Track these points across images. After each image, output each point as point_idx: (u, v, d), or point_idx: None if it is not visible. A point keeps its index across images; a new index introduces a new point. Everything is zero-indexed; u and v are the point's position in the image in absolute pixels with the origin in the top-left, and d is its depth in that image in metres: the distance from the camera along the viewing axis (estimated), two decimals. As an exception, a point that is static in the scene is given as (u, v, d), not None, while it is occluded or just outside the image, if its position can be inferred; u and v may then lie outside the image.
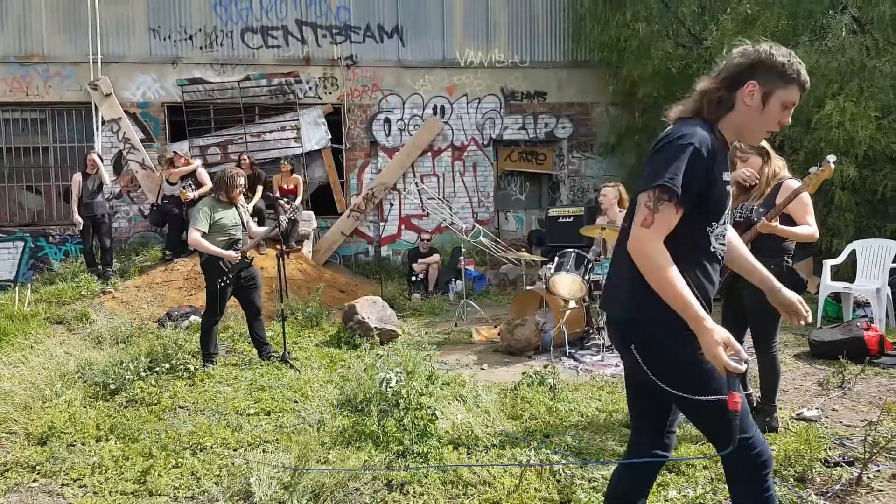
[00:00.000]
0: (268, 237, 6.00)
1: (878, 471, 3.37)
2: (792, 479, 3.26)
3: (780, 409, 4.12)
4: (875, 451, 3.31)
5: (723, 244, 2.23)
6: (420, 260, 9.83)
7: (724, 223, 2.21)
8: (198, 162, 9.75)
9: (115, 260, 9.45)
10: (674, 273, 2.00)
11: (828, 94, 7.67)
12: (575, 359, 5.89)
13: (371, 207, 11.17)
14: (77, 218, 8.79)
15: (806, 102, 7.95)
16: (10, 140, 10.47)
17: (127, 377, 4.90)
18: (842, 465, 3.43)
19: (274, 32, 10.84)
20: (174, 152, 9.75)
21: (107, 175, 9.24)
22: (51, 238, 10.37)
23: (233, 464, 3.58)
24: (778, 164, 3.90)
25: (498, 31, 11.41)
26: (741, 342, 4.14)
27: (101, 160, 9.10)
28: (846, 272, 7.17)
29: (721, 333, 1.95)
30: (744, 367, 1.95)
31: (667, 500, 3.02)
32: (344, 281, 9.79)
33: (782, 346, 5.87)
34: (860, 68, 7.70)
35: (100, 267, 9.09)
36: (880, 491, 3.18)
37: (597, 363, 5.75)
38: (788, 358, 5.63)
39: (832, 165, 3.65)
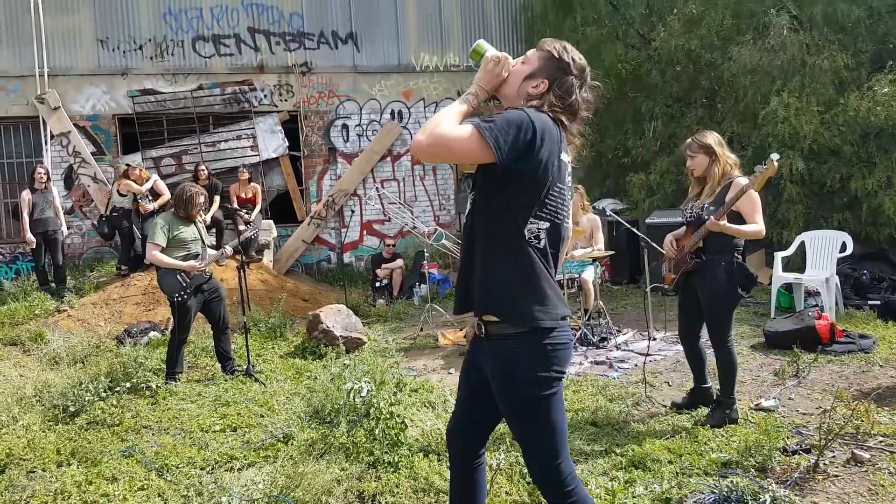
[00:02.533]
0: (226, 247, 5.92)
1: (834, 457, 3.50)
2: (753, 470, 3.38)
3: (739, 400, 4.25)
4: (830, 438, 3.44)
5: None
6: (383, 265, 9.82)
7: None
8: (154, 176, 9.53)
9: (68, 277, 9.20)
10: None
11: (772, 90, 7.94)
12: (540, 359, 5.95)
13: (332, 214, 11.11)
14: (29, 237, 8.50)
15: (753, 99, 8.23)
16: (-47, 157, 10.12)
17: (87, 398, 4.77)
18: (799, 453, 3.55)
19: (226, 41, 10.70)
20: (127, 165, 9.53)
21: (56, 190, 9.00)
22: (1, 257, 10.04)
23: (200, 483, 3.53)
24: (729, 162, 4.01)
25: (452, 35, 11.47)
26: (698, 337, 4.27)
27: (48, 174, 8.82)
28: (796, 263, 7.42)
29: None
30: None
31: (634, 497, 3.08)
32: (307, 289, 9.71)
33: (738, 338, 6.05)
34: (801, 65, 7.99)
35: (53, 285, 8.82)
36: (836, 476, 3.31)
37: (562, 362, 5.82)
38: (745, 349, 5.80)
39: (775, 163, 3.78)
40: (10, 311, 8.15)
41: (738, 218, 3.92)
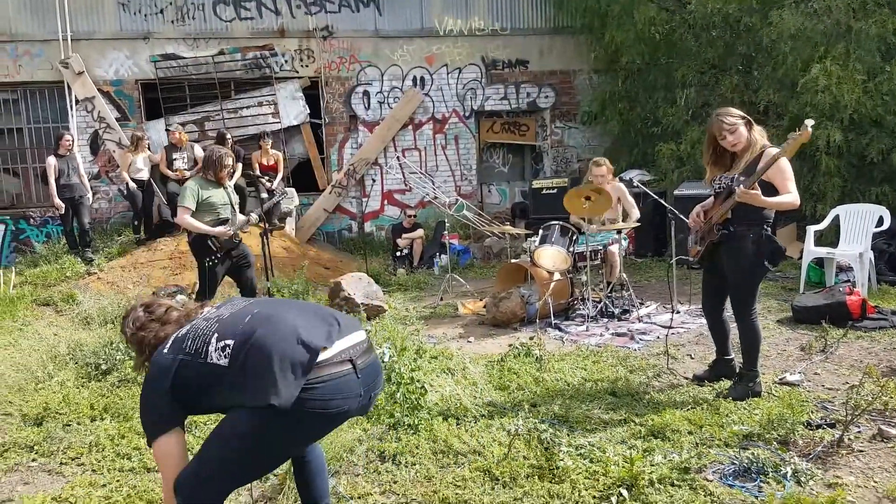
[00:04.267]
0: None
1: (859, 432, 3.43)
2: (775, 443, 3.32)
3: (763, 374, 4.18)
4: (856, 413, 3.38)
5: None
6: (404, 235, 9.80)
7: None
8: (198, 147, 9.48)
9: (95, 240, 9.35)
10: None
11: (814, 57, 7.57)
12: (560, 329, 5.93)
13: (353, 183, 11.09)
14: (58, 202, 8.62)
15: (792, 66, 7.90)
16: (-18, 122, 10.23)
17: (117, 357, 4.91)
18: (824, 428, 3.48)
19: (247, 4, 10.60)
20: (167, 129, 9.59)
21: (79, 156, 9.10)
22: (31, 220, 10.22)
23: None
24: (756, 133, 3.90)
25: (477, -3, 11.21)
26: (723, 309, 4.20)
27: (73, 140, 8.93)
28: (829, 237, 7.23)
29: None
30: None
31: (652, 465, 3.06)
32: (328, 257, 9.75)
33: (765, 312, 5.97)
34: (846, 30, 7.62)
35: (81, 249, 8.98)
36: (861, 451, 3.25)
37: (582, 333, 5.80)
38: (771, 323, 5.70)
39: (810, 129, 3.65)
40: (43, 273, 8.39)
41: (770, 189, 3.80)
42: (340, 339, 2.23)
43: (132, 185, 9.25)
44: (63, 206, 8.64)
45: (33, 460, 3.60)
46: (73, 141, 8.87)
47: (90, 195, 9.12)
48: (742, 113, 3.90)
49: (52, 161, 8.66)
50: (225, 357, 2.15)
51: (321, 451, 2.70)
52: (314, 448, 2.64)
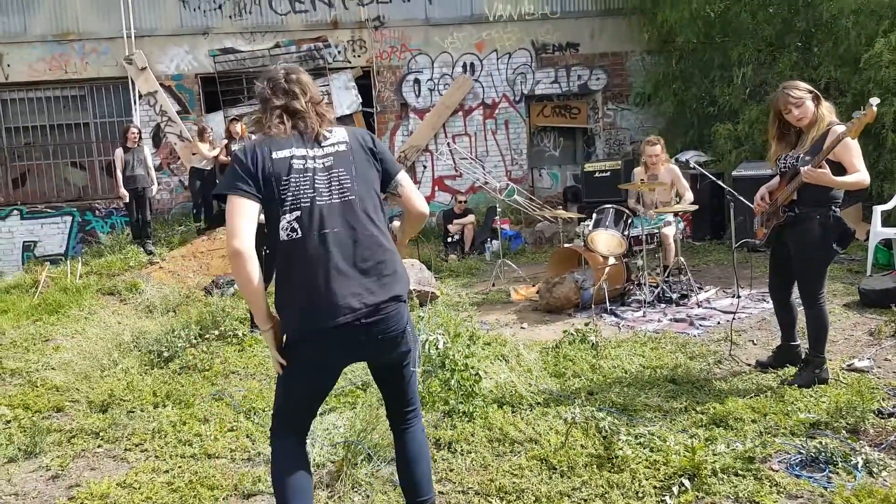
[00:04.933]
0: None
1: (935, 421, 3.30)
2: (844, 432, 3.22)
3: (830, 360, 4.05)
4: (930, 401, 3.25)
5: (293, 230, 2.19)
6: (455, 221, 9.82)
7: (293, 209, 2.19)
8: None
9: (156, 231, 9.68)
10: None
11: (878, 31, 7.30)
12: (616, 315, 5.87)
13: (404, 170, 11.15)
14: (123, 192, 8.98)
15: (855, 41, 7.59)
16: (52, 118, 10.73)
17: (179, 345, 5.09)
18: (896, 416, 3.37)
19: (301, -3, 10.77)
20: (231, 119, 9.82)
21: (148, 149, 9.42)
22: (97, 212, 10.67)
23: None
24: (824, 109, 3.75)
25: (527, -19, 11.08)
26: (790, 293, 4.07)
27: (140, 133, 9.25)
28: (898, 218, 6.93)
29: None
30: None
31: (715, 455, 3.01)
32: (381, 244, 9.85)
33: (831, 296, 5.74)
34: (914, 2, 7.29)
35: (142, 240, 9.30)
36: (936, 441, 3.13)
37: (638, 319, 5.72)
38: (838, 308, 5.50)
39: (874, 108, 3.49)
40: (107, 263, 8.74)
41: (837, 168, 3.66)
42: None
43: (210, 158, 9.47)
44: (127, 195, 8.97)
45: (99, 446, 3.73)
46: (139, 133, 9.18)
47: (155, 188, 9.44)
48: (810, 87, 3.77)
49: (119, 153, 9.02)
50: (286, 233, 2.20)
51: (421, 438, 2.47)
52: (413, 434, 2.45)
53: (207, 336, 5.37)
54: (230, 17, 10.64)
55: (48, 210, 10.56)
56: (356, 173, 2.26)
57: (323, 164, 2.23)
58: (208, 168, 9.65)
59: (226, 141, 9.62)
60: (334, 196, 2.21)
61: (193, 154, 9.68)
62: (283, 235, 2.18)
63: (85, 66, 10.44)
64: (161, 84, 10.54)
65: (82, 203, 10.75)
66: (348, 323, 2.16)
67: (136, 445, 3.69)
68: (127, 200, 9.03)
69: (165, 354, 5.02)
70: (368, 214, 2.25)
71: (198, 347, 5.17)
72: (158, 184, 10.51)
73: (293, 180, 2.17)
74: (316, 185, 2.19)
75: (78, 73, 10.46)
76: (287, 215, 2.17)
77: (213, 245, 9.03)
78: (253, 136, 9.68)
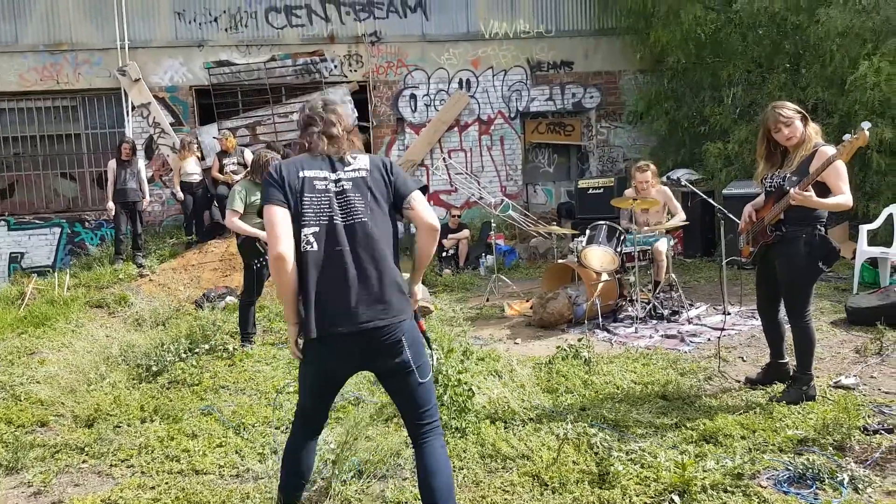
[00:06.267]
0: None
1: (920, 439, 3.34)
2: (831, 448, 3.25)
3: (817, 377, 4.09)
4: (916, 418, 3.28)
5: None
6: (450, 236, 9.85)
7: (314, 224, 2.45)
8: (247, 151, 9.72)
9: (148, 243, 9.63)
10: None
11: (862, 54, 7.47)
12: (608, 331, 5.90)
13: (399, 184, 11.18)
14: (109, 205, 8.90)
15: (840, 63, 7.75)
16: (43, 128, 10.66)
17: (168, 359, 5.02)
18: (881, 433, 3.40)
19: (298, 11, 10.83)
20: (219, 133, 9.85)
21: (142, 163, 9.39)
22: (86, 223, 10.59)
23: (275, 441, 3.68)
24: (812, 129, 3.82)
25: (521, 0, 11.21)
26: (777, 311, 4.12)
27: (133, 147, 9.19)
28: (883, 237, 7.02)
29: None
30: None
31: (705, 471, 3.03)
32: (374, 258, 9.84)
33: (818, 314, 5.81)
34: (896, 27, 7.46)
35: (132, 252, 9.20)
36: (921, 458, 3.16)
37: (630, 335, 5.75)
38: (825, 325, 5.55)
39: (867, 133, 3.56)
40: (96, 276, 8.65)
41: (822, 189, 3.72)
42: None
43: (179, 194, 9.56)
44: (113, 208, 8.87)
45: (84, 462, 3.64)
46: (132, 147, 9.12)
47: (146, 201, 9.32)
48: (798, 108, 3.84)
49: (112, 164, 8.97)
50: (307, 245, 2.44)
51: (440, 453, 2.53)
52: (431, 448, 2.53)
53: (197, 350, 5.32)
54: (226, 29, 10.69)
55: (36, 221, 10.49)
56: (371, 198, 2.50)
57: (343, 187, 2.49)
58: (196, 181, 9.63)
59: (215, 158, 9.64)
60: (349, 217, 2.46)
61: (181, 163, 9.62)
62: (302, 247, 2.42)
63: (77, 77, 10.42)
64: (155, 96, 10.53)
65: (72, 214, 10.66)
66: (351, 333, 2.41)
67: (123, 461, 3.62)
68: (113, 214, 8.93)
69: (154, 369, 4.95)
70: (378, 236, 2.48)
71: (187, 362, 5.11)
72: (150, 196, 10.53)
73: (315, 199, 2.45)
74: (334, 205, 2.46)
75: (70, 84, 10.43)
76: (306, 229, 2.43)
77: (204, 258, 9.00)
78: (244, 149, 9.75)
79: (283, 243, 2.38)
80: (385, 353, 2.46)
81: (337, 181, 2.49)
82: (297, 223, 2.42)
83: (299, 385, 2.64)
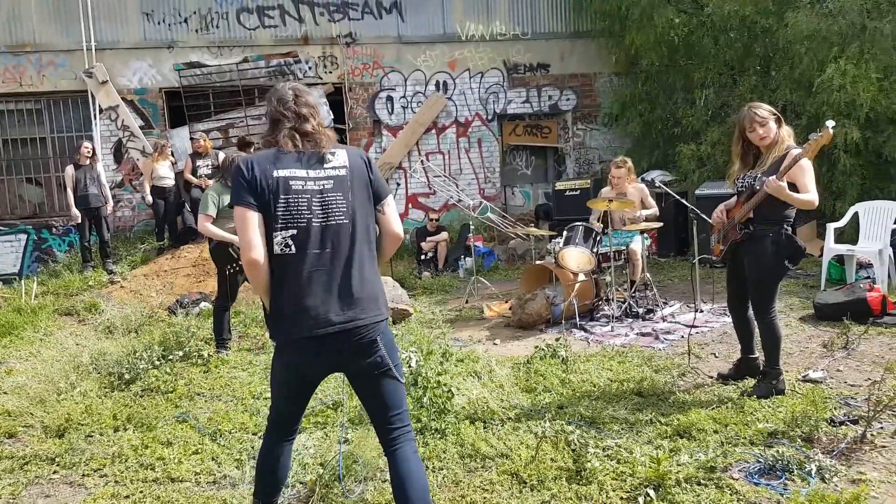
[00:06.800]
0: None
1: (882, 428, 3.43)
2: (799, 440, 3.34)
3: (787, 371, 4.19)
4: (879, 409, 3.38)
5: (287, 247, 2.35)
6: (428, 238, 9.85)
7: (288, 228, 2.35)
8: (221, 154, 9.60)
9: (118, 250, 9.44)
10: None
11: (829, 57, 7.64)
12: (585, 330, 5.96)
13: (376, 187, 11.14)
14: (74, 212, 8.65)
15: (808, 66, 7.93)
16: (6, 132, 10.39)
17: (141, 366, 4.93)
18: (847, 424, 3.50)
19: (270, 12, 10.74)
20: (192, 136, 9.73)
21: (100, 165, 9.13)
22: (54, 229, 10.30)
23: (252, 448, 3.65)
24: (785, 132, 3.91)
25: (498, 2, 11.26)
26: (746, 308, 4.20)
27: (93, 150, 8.95)
28: (849, 235, 7.19)
29: None
30: None
31: (679, 465, 3.08)
32: (351, 261, 9.80)
33: (787, 310, 5.95)
34: (861, 30, 7.65)
35: (101, 259, 9.02)
36: (883, 447, 3.26)
37: (607, 334, 5.81)
38: (794, 321, 5.68)
39: (831, 131, 3.66)
40: (65, 283, 8.44)
41: (792, 189, 3.81)
42: None
43: (149, 198, 9.40)
44: (79, 215, 8.65)
45: (54, 472, 3.56)
46: (92, 150, 8.89)
47: (110, 206, 9.07)
48: (773, 110, 3.93)
49: (69, 171, 8.69)
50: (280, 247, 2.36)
51: (412, 460, 2.47)
52: (403, 455, 2.47)
53: (171, 357, 5.23)
54: (196, 30, 10.55)
55: (1, 227, 10.20)
56: (352, 197, 2.42)
57: (322, 186, 2.38)
58: (169, 185, 9.49)
59: (187, 160, 9.52)
60: (329, 218, 2.38)
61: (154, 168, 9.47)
62: (276, 249, 2.34)
63: (42, 79, 10.18)
64: (123, 98, 10.34)
65: (38, 221, 10.40)
66: (328, 334, 2.35)
67: (95, 471, 3.55)
68: (79, 221, 8.71)
69: (126, 376, 4.85)
70: (359, 237, 2.42)
71: (161, 369, 5.02)
72: (120, 200, 10.36)
73: (291, 200, 2.33)
74: (313, 207, 2.35)
75: (34, 87, 10.18)
76: (283, 231, 2.33)
77: (177, 263, 8.87)
78: (218, 152, 9.63)
79: (254, 249, 2.30)
80: (360, 353, 2.41)
81: (316, 180, 2.37)
82: (273, 225, 2.32)
83: (271, 388, 2.59)
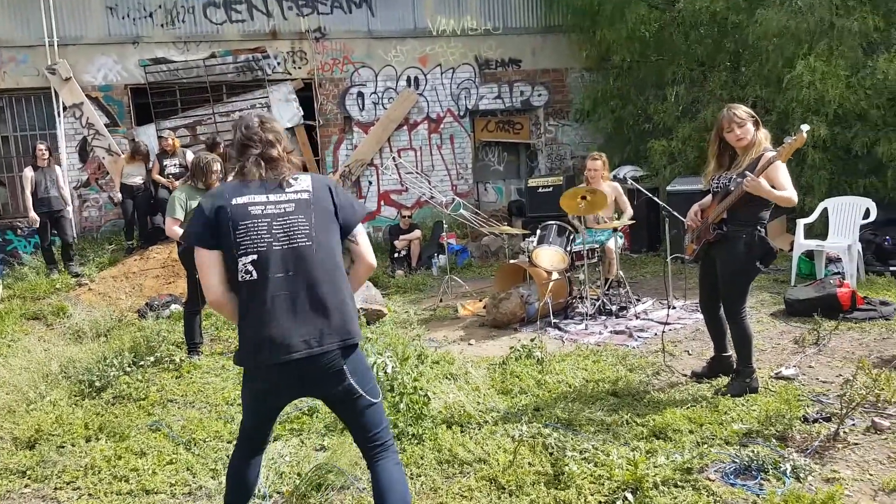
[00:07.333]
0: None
1: (854, 425, 3.50)
2: (774, 439, 3.38)
3: (760, 368, 4.26)
4: (851, 406, 3.44)
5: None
6: (401, 236, 9.79)
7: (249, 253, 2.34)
8: (189, 153, 9.41)
9: (86, 250, 9.22)
10: None
11: (798, 54, 7.76)
12: (560, 329, 5.98)
13: (348, 185, 11.08)
14: (33, 215, 8.36)
15: (776, 63, 8.04)
16: (-34, 130, 10.08)
17: (112, 373, 4.83)
18: (820, 422, 3.55)
19: (237, 6, 10.54)
20: (160, 135, 9.52)
21: (58, 169, 8.85)
22: (19, 231, 10.00)
23: (228, 456, 3.58)
24: (762, 134, 3.95)
25: (469, -3, 11.21)
26: (719, 307, 4.25)
27: (50, 151, 8.67)
28: (818, 230, 7.32)
29: None
30: None
31: (656, 467, 3.10)
32: (324, 260, 9.71)
33: (759, 305, 6.04)
34: (829, 27, 7.77)
35: (65, 262, 8.79)
36: (856, 444, 3.32)
37: (581, 332, 5.84)
38: (765, 317, 5.77)
39: (805, 135, 3.70)
40: (31, 286, 8.19)
41: None
42: None
43: (118, 196, 9.20)
44: (38, 219, 8.37)
45: (26, 486, 3.48)
46: (49, 152, 8.60)
47: (70, 209, 8.82)
48: (752, 112, 3.97)
49: (28, 173, 8.41)
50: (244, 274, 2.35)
51: (392, 472, 2.47)
52: (383, 467, 2.47)
53: (142, 363, 5.13)
54: (162, 25, 10.31)
55: (-37, 229, 9.94)
56: (315, 221, 2.39)
57: (284, 209, 2.37)
58: (138, 183, 9.28)
59: (155, 160, 9.33)
60: (291, 242, 2.35)
61: (125, 168, 9.27)
62: (240, 276, 2.33)
63: (3, 76, 9.87)
64: (88, 95, 10.06)
65: (3, 222, 10.10)
66: (293, 361, 2.31)
67: (68, 483, 3.47)
68: (37, 224, 8.42)
69: (97, 384, 4.73)
70: (324, 260, 2.38)
71: (132, 375, 4.93)
72: (86, 200, 10.11)
73: (250, 225, 2.32)
74: (273, 231, 2.33)
75: (-5, 84, 9.90)
76: (244, 258, 2.31)
77: (146, 265, 8.69)
78: (186, 151, 9.47)
79: (215, 290, 2.35)
80: (326, 381, 2.38)
81: (277, 203, 2.36)
82: (235, 252, 2.31)
83: (242, 404, 2.60)
